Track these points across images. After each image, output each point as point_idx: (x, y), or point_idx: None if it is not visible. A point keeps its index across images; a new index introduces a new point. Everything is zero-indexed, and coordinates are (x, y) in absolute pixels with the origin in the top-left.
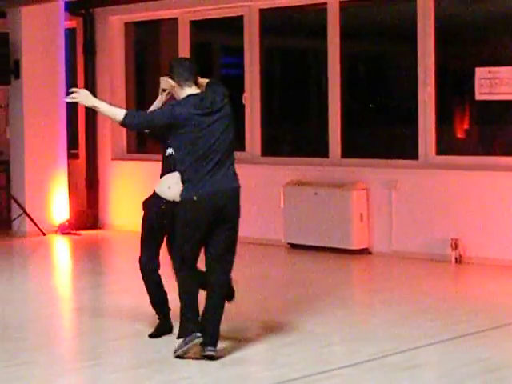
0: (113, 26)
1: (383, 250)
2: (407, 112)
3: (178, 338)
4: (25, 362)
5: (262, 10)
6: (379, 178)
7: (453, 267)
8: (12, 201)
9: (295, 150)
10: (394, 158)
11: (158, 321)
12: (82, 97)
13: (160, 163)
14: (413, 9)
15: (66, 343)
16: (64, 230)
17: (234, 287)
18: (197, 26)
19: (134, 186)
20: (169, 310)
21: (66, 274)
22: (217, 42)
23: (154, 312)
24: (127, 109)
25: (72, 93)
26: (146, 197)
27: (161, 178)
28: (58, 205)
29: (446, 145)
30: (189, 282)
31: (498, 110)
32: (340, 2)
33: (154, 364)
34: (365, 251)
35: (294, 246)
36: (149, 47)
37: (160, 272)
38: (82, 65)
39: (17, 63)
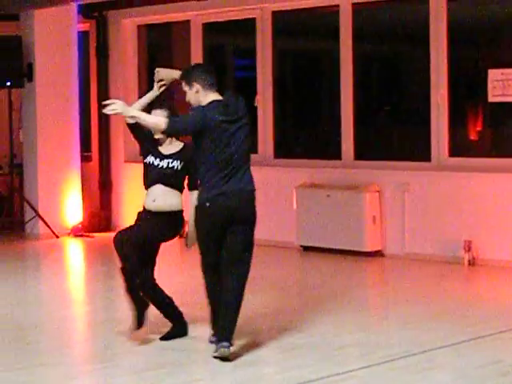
0: (126, 29)
1: (396, 253)
2: (420, 114)
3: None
4: (38, 365)
5: (274, 12)
6: (392, 180)
7: (466, 269)
8: (25, 203)
9: (308, 152)
10: (407, 159)
11: (170, 324)
12: (122, 107)
13: None
14: (425, 10)
15: (79, 346)
16: (77, 232)
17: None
18: (209, 28)
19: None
20: (179, 313)
21: (79, 276)
22: (229, 44)
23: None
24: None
25: (106, 105)
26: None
27: (145, 185)
28: (70, 207)
29: (459, 147)
30: (212, 286)
31: (510, 112)
32: (352, 4)
33: (166, 366)
34: (378, 253)
35: (306, 249)
36: (161, 50)
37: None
38: (94, 68)
39: (30, 66)
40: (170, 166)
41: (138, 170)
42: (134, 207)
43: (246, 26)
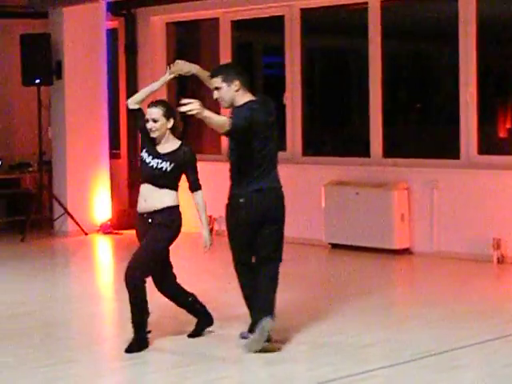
0: (154, 26)
1: (425, 250)
2: (449, 111)
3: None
4: (67, 361)
5: (303, 10)
6: (421, 178)
7: (495, 267)
8: (54, 200)
9: (336, 149)
10: (436, 157)
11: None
12: (199, 108)
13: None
14: (455, 7)
15: (108, 342)
16: (106, 229)
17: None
18: (238, 25)
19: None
20: (200, 306)
21: (108, 273)
22: (258, 41)
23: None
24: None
25: (183, 104)
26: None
27: (141, 181)
28: (99, 204)
29: (488, 144)
30: (248, 285)
31: None
32: (381, 2)
33: (195, 363)
34: (406, 251)
35: (334, 246)
36: (190, 47)
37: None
38: (123, 65)
39: (59, 64)
40: (159, 166)
41: None
42: None
43: (275, 24)
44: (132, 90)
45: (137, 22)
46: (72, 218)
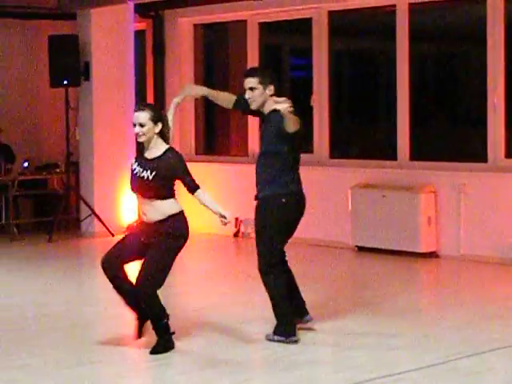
0: (182, 28)
1: (451, 254)
2: (476, 114)
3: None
4: (91, 362)
5: (330, 12)
6: (448, 181)
7: None
8: (81, 201)
9: (363, 152)
10: (463, 160)
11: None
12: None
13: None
14: (483, 10)
15: (133, 343)
16: (132, 230)
17: None
18: (266, 28)
19: (202, 187)
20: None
21: (134, 274)
22: (285, 44)
23: (225, 314)
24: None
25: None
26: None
27: (131, 189)
28: (126, 205)
29: None
30: (280, 282)
31: None
32: (409, 4)
33: (220, 365)
34: (433, 255)
35: (361, 249)
36: (217, 49)
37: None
38: (151, 66)
39: (87, 65)
40: (141, 175)
41: (193, 169)
42: (189, 206)
43: (302, 26)
44: (159, 92)
45: (164, 24)
46: (99, 218)
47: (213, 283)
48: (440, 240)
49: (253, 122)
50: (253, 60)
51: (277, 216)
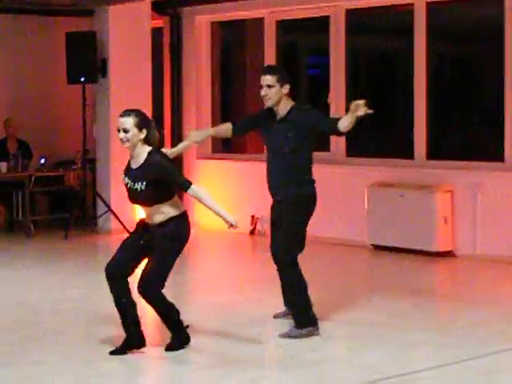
0: (199, 26)
1: (468, 253)
2: (493, 113)
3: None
4: (106, 359)
5: (348, 10)
6: (464, 181)
7: None
8: (97, 198)
9: (380, 150)
10: (480, 160)
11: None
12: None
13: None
14: (500, 9)
15: (148, 340)
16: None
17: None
18: (283, 25)
19: (219, 185)
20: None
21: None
22: (303, 42)
23: (240, 311)
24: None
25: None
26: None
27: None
28: None
29: None
30: (301, 275)
31: None
32: (427, 3)
33: (235, 363)
34: (449, 254)
35: (377, 248)
36: (235, 47)
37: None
38: (168, 63)
39: (104, 62)
40: (134, 188)
41: (210, 167)
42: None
43: (320, 24)
44: (176, 89)
45: (182, 21)
46: (115, 215)
47: (228, 281)
48: (456, 239)
49: None
50: (270, 58)
51: (307, 212)
